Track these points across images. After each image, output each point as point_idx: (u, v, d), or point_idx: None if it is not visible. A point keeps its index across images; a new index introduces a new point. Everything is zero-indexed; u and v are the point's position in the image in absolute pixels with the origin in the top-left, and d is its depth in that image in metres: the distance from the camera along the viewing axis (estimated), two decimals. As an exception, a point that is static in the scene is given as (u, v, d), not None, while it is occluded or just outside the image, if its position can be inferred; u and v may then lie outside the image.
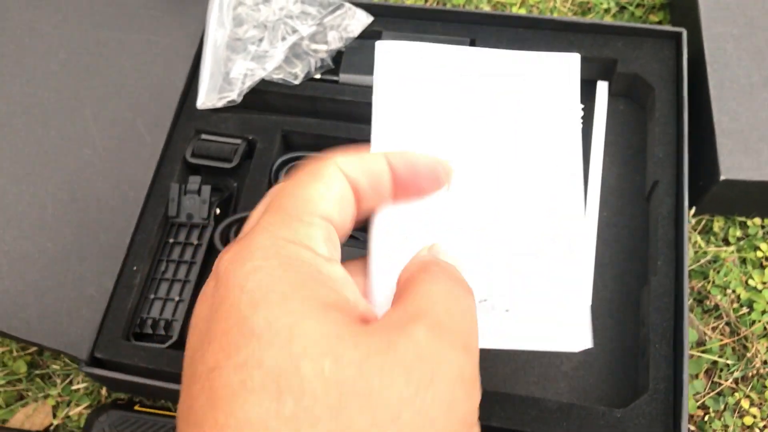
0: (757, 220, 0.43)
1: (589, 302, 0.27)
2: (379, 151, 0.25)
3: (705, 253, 0.42)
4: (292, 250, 0.20)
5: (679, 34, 0.44)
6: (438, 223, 0.27)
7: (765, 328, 0.40)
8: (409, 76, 0.28)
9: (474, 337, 0.21)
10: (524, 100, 0.29)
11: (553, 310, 0.26)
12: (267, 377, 0.17)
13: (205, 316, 0.20)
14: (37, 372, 0.42)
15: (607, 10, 0.52)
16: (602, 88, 0.46)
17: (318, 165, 0.23)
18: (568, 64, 0.30)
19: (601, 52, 0.45)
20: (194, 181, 0.41)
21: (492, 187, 0.27)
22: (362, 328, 0.19)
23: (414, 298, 0.21)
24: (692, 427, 0.38)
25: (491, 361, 0.38)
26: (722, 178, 0.40)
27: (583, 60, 0.44)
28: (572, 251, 0.27)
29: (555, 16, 0.49)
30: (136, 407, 0.39)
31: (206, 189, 0.41)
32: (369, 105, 0.44)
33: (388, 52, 0.28)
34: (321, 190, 0.22)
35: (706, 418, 0.38)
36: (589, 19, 0.51)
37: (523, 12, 0.52)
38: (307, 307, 0.19)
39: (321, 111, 0.45)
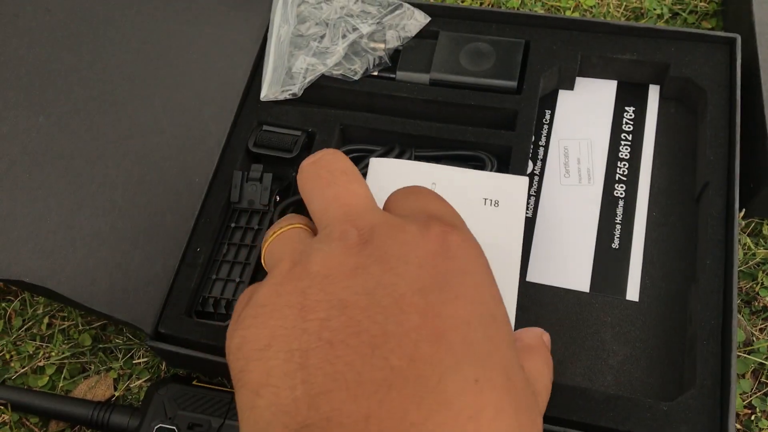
0: (808, 226, 0.44)
1: None
2: None
3: (754, 255, 0.43)
4: None
5: (733, 40, 0.44)
6: None
7: (813, 332, 0.41)
8: (393, 183, 0.35)
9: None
10: (479, 207, 0.36)
11: None
12: None
13: None
14: (101, 346, 0.44)
15: (660, 16, 0.53)
16: (654, 91, 0.47)
17: None
18: (518, 185, 0.37)
19: (654, 56, 0.45)
20: (256, 169, 0.43)
21: None
22: None
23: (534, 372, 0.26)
24: (739, 426, 0.39)
25: (538, 352, 0.39)
26: (774, 180, 0.40)
27: (636, 63, 0.46)
28: None
29: (608, 20, 0.50)
30: (194, 382, 0.41)
31: (268, 177, 0.43)
32: (424, 102, 0.46)
33: (379, 165, 0.35)
34: None
35: (753, 417, 0.39)
36: (643, 23, 0.52)
37: (576, 16, 0.53)
38: None
39: (378, 107, 0.46)
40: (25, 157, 0.37)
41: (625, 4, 0.54)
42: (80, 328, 0.45)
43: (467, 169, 0.36)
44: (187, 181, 0.43)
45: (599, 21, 0.46)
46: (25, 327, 0.45)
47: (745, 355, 0.40)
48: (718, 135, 0.42)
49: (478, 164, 0.43)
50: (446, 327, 0.20)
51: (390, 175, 0.35)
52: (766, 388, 0.39)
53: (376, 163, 0.35)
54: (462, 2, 0.56)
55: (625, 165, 0.44)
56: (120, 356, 0.44)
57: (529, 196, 0.44)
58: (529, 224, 0.43)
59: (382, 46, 0.47)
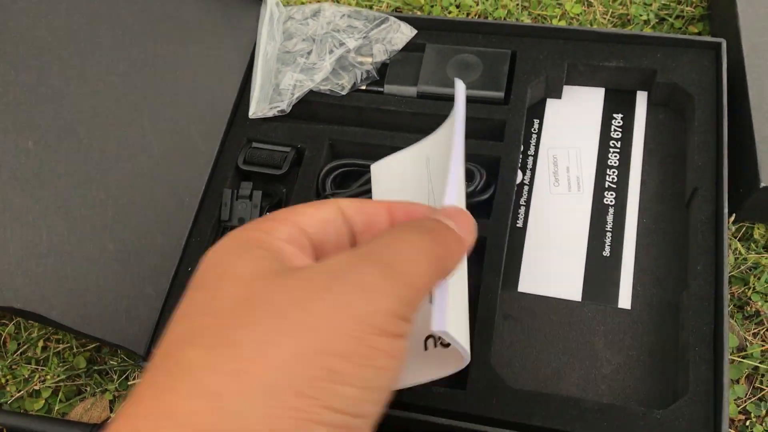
0: (799, 228, 0.44)
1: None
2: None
3: (745, 259, 0.43)
4: (250, 235, 0.24)
5: (718, 44, 0.45)
6: None
7: (807, 335, 0.41)
8: (395, 179, 0.35)
9: (413, 275, 0.22)
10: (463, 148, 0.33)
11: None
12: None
13: None
14: (96, 368, 0.44)
15: (646, 22, 0.53)
16: (641, 98, 0.47)
17: (319, 201, 0.27)
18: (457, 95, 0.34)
19: (641, 62, 0.46)
20: (246, 187, 0.43)
21: None
22: (283, 267, 0.22)
23: (371, 240, 0.23)
24: (733, 431, 0.39)
25: (532, 363, 0.39)
26: (762, 185, 0.40)
27: (623, 70, 0.46)
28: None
29: (594, 27, 0.50)
30: (189, 402, 0.41)
31: (257, 194, 0.43)
32: (412, 114, 0.46)
33: (378, 169, 0.35)
34: (308, 211, 0.25)
35: (748, 423, 0.39)
36: (629, 30, 0.52)
37: (563, 24, 0.53)
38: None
39: (366, 121, 0.46)
40: (14, 182, 0.37)
41: (611, 11, 0.54)
42: (75, 350, 0.45)
43: (444, 128, 0.35)
44: (176, 200, 0.43)
45: (585, 29, 0.46)
46: (20, 351, 0.45)
47: (739, 360, 0.40)
48: (706, 140, 0.42)
49: (466, 176, 0.43)
50: (169, 340, 0.23)
51: (389, 174, 0.35)
52: (761, 393, 0.39)
53: (375, 169, 0.35)
54: (448, 14, 0.56)
55: (614, 172, 0.44)
56: (115, 378, 0.44)
57: (519, 205, 0.44)
58: (520, 234, 0.43)
59: (370, 60, 0.47)
